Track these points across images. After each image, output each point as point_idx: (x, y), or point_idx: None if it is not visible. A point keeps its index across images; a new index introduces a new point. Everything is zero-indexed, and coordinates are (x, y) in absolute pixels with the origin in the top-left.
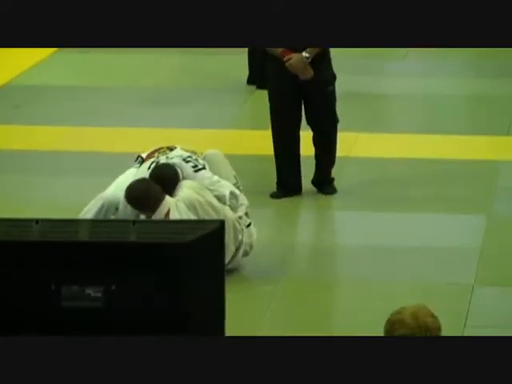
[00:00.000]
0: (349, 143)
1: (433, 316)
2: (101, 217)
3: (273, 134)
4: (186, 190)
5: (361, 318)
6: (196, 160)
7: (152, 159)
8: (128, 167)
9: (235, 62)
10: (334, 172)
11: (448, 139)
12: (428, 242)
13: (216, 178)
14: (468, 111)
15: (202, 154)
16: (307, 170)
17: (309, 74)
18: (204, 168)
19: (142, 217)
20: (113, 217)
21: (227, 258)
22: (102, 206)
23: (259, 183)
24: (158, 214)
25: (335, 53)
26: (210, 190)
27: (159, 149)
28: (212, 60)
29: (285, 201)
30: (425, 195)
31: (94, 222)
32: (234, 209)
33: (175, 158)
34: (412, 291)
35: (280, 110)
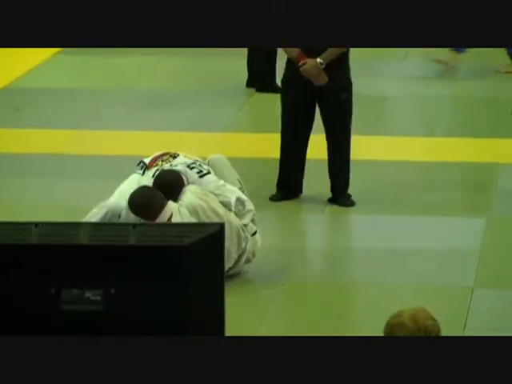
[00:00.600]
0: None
1: (432, 319)
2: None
3: (281, 136)
4: (189, 194)
5: (362, 320)
6: (200, 165)
7: (156, 167)
8: (128, 170)
9: (234, 64)
10: (327, 177)
11: (448, 142)
12: (428, 244)
13: (222, 182)
14: (468, 113)
15: (205, 158)
16: (316, 173)
17: (323, 79)
18: (209, 173)
19: None
20: None
21: (229, 265)
22: (106, 213)
23: (259, 186)
24: (161, 219)
25: None
26: (216, 194)
27: (162, 155)
28: (211, 63)
29: (285, 204)
30: (425, 198)
31: (93, 226)
32: (240, 215)
33: (179, 165)
34: (412, 293)
35: (291, 113)
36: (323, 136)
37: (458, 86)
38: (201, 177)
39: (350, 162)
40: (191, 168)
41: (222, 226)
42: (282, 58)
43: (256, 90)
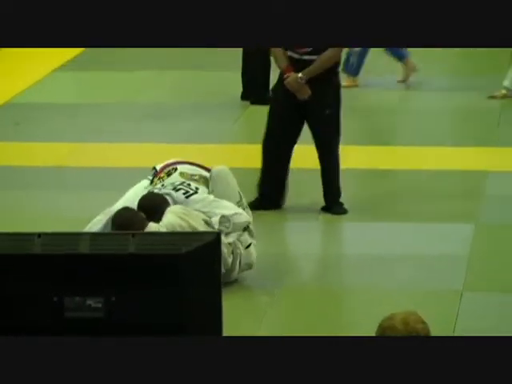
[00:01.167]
0: (343, 155)
1: (423, 322)
2: (108, 230)
3: (262, 147)
4: (169, 215)
5: (356, 323)
6: (188, 186)
7: (149, 187)
8: (129, 181)
9: (229, 78)
10: (320, 186)
11: (438, 151)
12: (418, 250)
13: (211, 198)
14: (458, 123)
15: (209, 167)
16: (310, 182)
17: (305, 94)
18: (196, 192)
19: None
20: None
21: None
22: (108, 220)
23: (254, 196)
24: None
25: None
26: (204, 212)
27: (171, 164)
28: (207, 76)
29: (280, 212)
30: (415, 205)
31: (94, 235)
32: (226, 234)
33: (168, 186)
34: (403, 297)
35: (274, 125)
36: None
37: (446, 99)
38: (187, 197)
39: (340, 172)
40: (177, 190)
41: (218, 234)
42: (275, 70)
43: (251, 102)
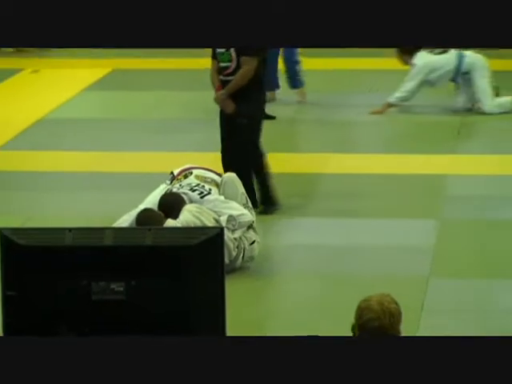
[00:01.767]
0: (321, 162)
1: (395, 303)
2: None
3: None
4: (185, 213)
5: (336, 305)
6: (203, 187)
7: (169, 186)
8: (147, 184)
9: None
10: (310, 186)
11: (404, 158)
12: (389, 242)
13: (222, 199)
14: (419, 134)
15: (219, 172)
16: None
17: (227, 108)
18: (209, 193)
19: None
20: None
21: None
22: (133, 220)
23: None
24: None
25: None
26: (215, 211)
27: (187, 168)
28: (206, 95)
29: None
30: (386, 204)
31: (117, 230)
32: (232, 231)
33: (185, 186)
34: (376, 283)
35: (221, 137)
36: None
37: (414, 113)
38: (201, 197)
39: (266, 177)
40: (193, 190)
41: (222, 229)
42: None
43: None
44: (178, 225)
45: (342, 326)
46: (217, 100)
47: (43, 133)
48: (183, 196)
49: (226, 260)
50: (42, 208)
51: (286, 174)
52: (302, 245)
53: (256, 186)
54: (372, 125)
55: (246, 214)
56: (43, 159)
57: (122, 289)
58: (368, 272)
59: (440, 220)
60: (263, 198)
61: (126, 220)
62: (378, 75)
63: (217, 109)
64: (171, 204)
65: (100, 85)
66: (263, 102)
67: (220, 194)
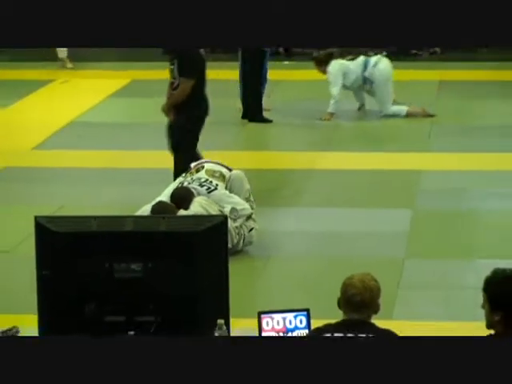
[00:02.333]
0: (312, 159)
1: (375, 280)
2: None
3: None
4: (195, 204)
5: (322, 282)
6: (210, 183)
7: (182, 179)
8: (162, 178)
9: (232, 102)
10: (301, 180)
11: (382, 155)
12: (370, 229)
13: (227, 193)
14: (394, 134)
15: (229, 167)
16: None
17: (170, 116)
18: (216, 189)
19: None
20: None
21: None
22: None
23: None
24: None
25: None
26: (220, 204)
27: (200, 162)
28: (217, 102)
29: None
30: (366, 195)
31: (135, 218)
32: (234, 220)
33: (195, 181)
34: (359, 264)
35: None
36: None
37: (390, 119)
38: (209, 192)
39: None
40: (202, 186)
41: (226, 217)
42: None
43: (248, 120)
44: (190, 214)
45: (329, 300)
46: (162, 110)
47: (72, 134)
48: (193, 190)
49: (229, 245)
50: (71, 199)
51: (280, 169)
52: (294, 231)
53: None
54: (353, 128)
55: (247, 208)
56: (72, 157)
57: (140, 268)
58: (351, 254)
59: (414, 210)
60: None
61: (146, 210)
62: None
63: (224, 113)
64: (183, 196)
65: (121, 93)
66: (196, 115)
67: (226, 188)
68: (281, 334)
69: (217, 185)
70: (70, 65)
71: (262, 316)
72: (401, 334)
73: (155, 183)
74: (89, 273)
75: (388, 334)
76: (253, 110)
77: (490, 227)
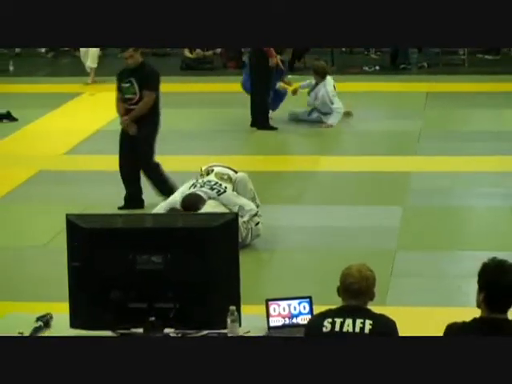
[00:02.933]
0: (313, 162)
1: (371, 270)
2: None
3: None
4: (207, 207)
5: (322, 271)
6: (219, 186)
7: (194, 181)
8: (177, 180)
9: (243, 113)
10: (303, 181)
11: (375, 159)
12: (364, 224)
13: (235, 194)
14: (386, 140)
15: (236, 170)
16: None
17: (131, 130)
18: (225, 191)
19: None
20: None
21: None
22: (168, 206)
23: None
24: None
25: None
26: (229, 207)
27: (211, 166)
28: (228, 112)
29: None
30: (360, 193)
31: (155, 215)
32: (241, 216)
33: (206, 184)
34: (355, 255)
35: (121, 150)
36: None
37: (385, 124)
38: (219, 195)
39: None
40: (212, 189)
41: (236, 214)
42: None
43: (257, 128)
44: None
45: (329, 288)
46: (123, 124)
47: (98, 141)
48: (203, 194)
49: (239, 239)
50: (97, 198)
51: (284, 171)
52: (297, 226)
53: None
54: (350, 134)
55: (253, 208)
56: (99, 161)
57: (160, 261)
58: (349, 247)
59: (404, 206)
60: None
61: (162, 206)
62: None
63: (229, 122)
64: (193, 203)
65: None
66: (157, 124)
67: (233, 190)
68: (286, 320)
69: (226, 187)
70: (94, 79)
71: (270, 303)
72: (394, 318)
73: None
74: (114, 265)
75: (383, 317)
76: (261, 119)
77: (473, 222)
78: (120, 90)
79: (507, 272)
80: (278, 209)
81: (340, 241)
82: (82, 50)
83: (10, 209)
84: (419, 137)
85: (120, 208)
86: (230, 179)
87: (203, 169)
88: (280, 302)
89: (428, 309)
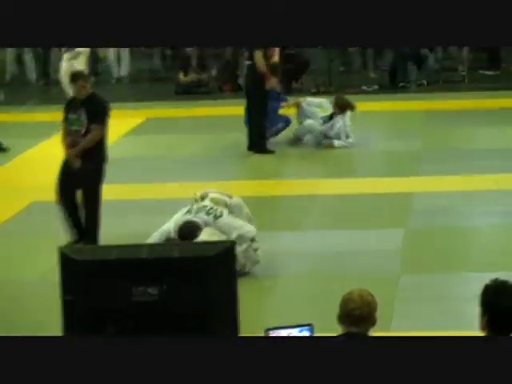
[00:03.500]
0: (312, 186)
1: (372, 296)
2: (161, 241)
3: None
4: (204, 234)
5: (323, 297)
6: (215, 210)
7: (189, 207)
8: (175, 207)
9: (240, 138)
10: (303, 205)
11: (376, 180)
12: (366, 247)
13: (231, 217)
14: (386, 161)
15: (230, 195)
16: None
17: (75, 164)
18: (221, 216)
19: None
20: None
21: None
22: (161, 235)
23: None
24: None
25: None
26: (226, 232)
27: (206, 192)
28: (226, 137)
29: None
30: (361, 216)
31: (150, 245)
32: (239, 244)
33: (202, 209)
34: (357, 280)
35: (60, 182)
36: None
37: (384, 144)
38: (215, 220)
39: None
40: (209, 214)
41: (233, 242)
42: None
43: (254, 152)
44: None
45: (329, 314)
46: (67, 157)
47: None
48: (199, 221)
49: (237, 267)
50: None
51: (282, 196)
52: (297, 252)
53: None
54: (351, 155)
55: (252, 230)
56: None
57: (156, 292)
58: (350, 271)
59: (406, 229)
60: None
61: (155, 236)
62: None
63: (225, 147)
64: (190, 231)
65: (137, 131)
66: (104, 159)
67: (229, 214)
68: None
69: (222, 212)
70: None
71: (270, 332)
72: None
73: (162, 213)
74: (109, 297)
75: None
76: (257, 143)
77: (477, 243)
78: (66, 120)
79: (507, 294)
80: (276, 234)
81: (340, 266)
82: (64, 78)
83: (0, 242)
84: (419, 156)
85: (75, 243)
86: (225, 204)
87: (198, 195)
88: (280, 331)
89: (434, 334)
